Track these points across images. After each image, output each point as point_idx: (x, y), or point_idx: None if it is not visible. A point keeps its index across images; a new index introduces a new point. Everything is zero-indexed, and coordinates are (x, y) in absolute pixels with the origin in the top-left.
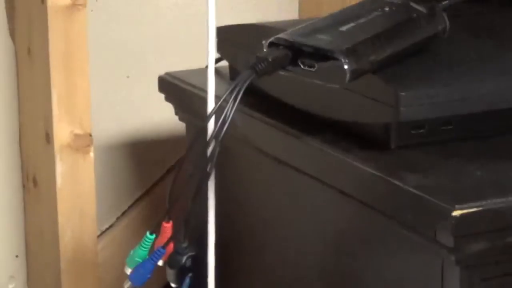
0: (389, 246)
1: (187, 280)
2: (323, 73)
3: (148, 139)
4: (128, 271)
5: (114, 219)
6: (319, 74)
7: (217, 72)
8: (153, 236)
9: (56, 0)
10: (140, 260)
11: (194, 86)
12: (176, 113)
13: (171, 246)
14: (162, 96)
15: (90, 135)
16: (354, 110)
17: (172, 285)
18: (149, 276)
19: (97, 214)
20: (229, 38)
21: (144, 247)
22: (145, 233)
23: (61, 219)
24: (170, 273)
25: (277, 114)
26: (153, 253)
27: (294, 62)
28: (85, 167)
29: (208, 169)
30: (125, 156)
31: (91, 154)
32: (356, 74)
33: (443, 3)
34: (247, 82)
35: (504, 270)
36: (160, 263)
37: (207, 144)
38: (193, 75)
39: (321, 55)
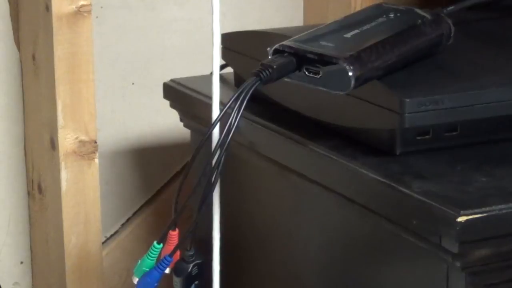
0: (394, 252)
1: None
2: (328, 80)
3: (153, 145)
4: (136, 280)
5: (118, 225)
6: (323, 81)
7: (222, 78)
8: (160, 246)
9: (61, 7)
10: (148, 270)
11: (199, 93)
12: (181, 120)
13: (177, 254)
14: (167, 102)
15: (95, 142)
16: (359, 116)
17: None
18: (156, 284)
19: (101, 220)
20: (234, 44)
21: (152, 257)
22: (150, 240)
23: (66, 225)
24: (177, 281)
25: (282, 121)
26: (160, 262)
27: (299, 69)
28: (90, 174)
29: (213, 179)
30: (130, 163)
31: (96, 160)
32: (360, 81)
33: (448, 9)
34: (252, 90)
35: (509, 276)
36: (167, 271)
37: (212, 153)
38: (198, 81)
39: (325, 62)
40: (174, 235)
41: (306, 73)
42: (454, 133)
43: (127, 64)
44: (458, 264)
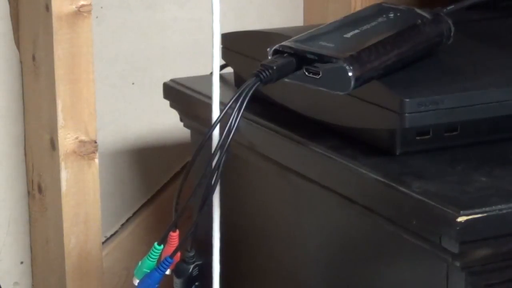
0: (394, 252)
1: None
2: (328, 80)
3: (152, 145)
4: (136, 282)
5: (118, 225)
6: (323, 81)
7: (222, 78)
8: (161, 247)
9: (61, 7)
10: (148, 271)
11: (199, 93)
12: (181, 120)
13: (178, 255)
14: (167, 102)
15: (95, 142)
16: (359, 116)
17: None
18: (157, 286)
19: (101, 220)
20: (234, 44)
21: (152, 258)
22: (150, 240)
23: (65, 225)
24: (177, 282)
25: (282, 121)
26: (161, 263)
27: (299, 69)
28: (90, 174)
29: (213, 180)
30: (130, 163)
31: (96, 160)
32: (360, 81)
33: (448, 9)
34: (252, 90)
35: (509, 276)
36: (168, 272)
37: (212, 154)
38: (198, 81)
39: (325, 62)
40: (174, 236)
41: (306, 73)
42: (454, 133)
43: (127, 64)
44: (458, 264)
